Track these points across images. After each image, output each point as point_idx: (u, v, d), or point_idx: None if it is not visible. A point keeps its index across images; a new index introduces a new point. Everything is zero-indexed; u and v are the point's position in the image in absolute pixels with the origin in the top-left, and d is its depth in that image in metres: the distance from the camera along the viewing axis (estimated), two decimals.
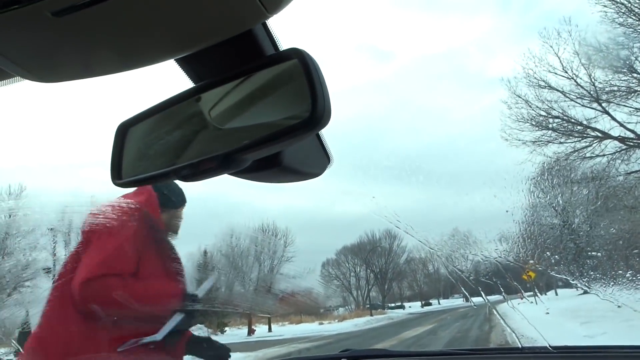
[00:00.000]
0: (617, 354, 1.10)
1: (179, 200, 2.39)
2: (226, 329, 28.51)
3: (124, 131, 0.77)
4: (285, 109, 0.69)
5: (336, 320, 35.77)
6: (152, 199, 2.20)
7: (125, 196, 2.14)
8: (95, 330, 1.91)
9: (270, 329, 30.00)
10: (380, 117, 66.71)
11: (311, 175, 0.81)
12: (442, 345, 13.14)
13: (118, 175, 0.74)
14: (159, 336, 1.96)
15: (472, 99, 59.12)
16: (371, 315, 38.66)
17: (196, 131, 0.75)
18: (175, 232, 2.37)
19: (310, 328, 29.18)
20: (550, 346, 1.19)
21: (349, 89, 68.60)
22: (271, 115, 0.71)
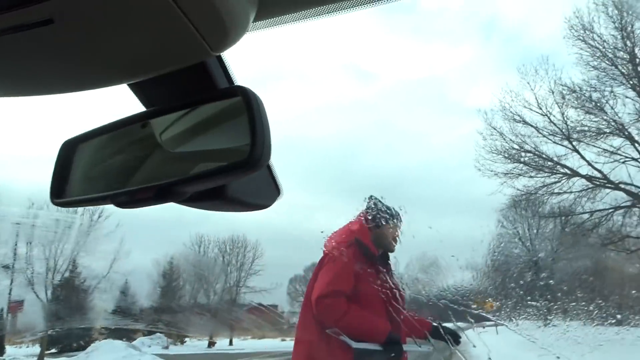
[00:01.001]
0: None
1: (385, 217, 2.52)
2: (186, 340, 27.96)
3: (69, 149, 0.74)
4: (228, 144, 0.69)
5: None
6: (363, 224, 2.49)
7: (348, 225, 2.53)
8: (329, 342, 2.21)
9: (231, 343, 29.53)
10: (359, 136, 67.29)
11: (258, 206, 0.81)
12: None
13: (58, 194, 0.72)
14: None
15: (450, 127, 60.04)
16: None
17: (142, 156, 0.74)
18: (388, 249, 2.52)
19: (272, 344, 28.80)
20: None
21: (331, 106, 69.01)
22: (213, 150, 0.72)
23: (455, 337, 2.38)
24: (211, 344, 27.51)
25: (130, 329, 25.56)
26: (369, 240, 2.39)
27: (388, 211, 2.49)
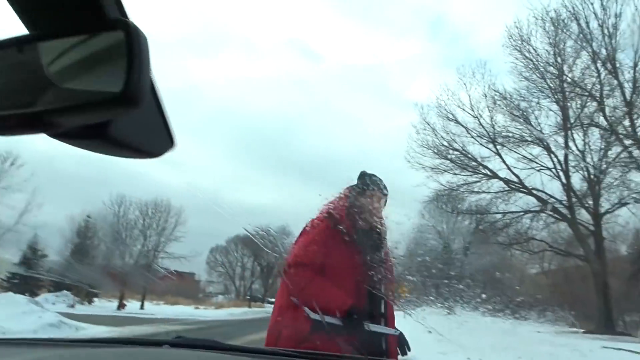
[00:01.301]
0: None
1: (364, 190, 2.46)
2: (95, 299, 27.01)
3: None
4: (107, 79, 0.65)
5: (213, 307, 35.23)
6: (341, 199, 2.45)
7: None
8: (295, 309, 2.22)
9: (142, 306, 28.87)
10: (296, 114, 67.04)
11: (145, 154, 0.77)
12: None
13: None
14: None
15: (387, 117, 61.12)
16: (249, 307, 38.64)
17: (15, 82, 0.71)
18: (368, 223, 2.41)
19: (185, 311, 28.48)
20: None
21: (272, 79, 68.19)
22: (91, 82, 0.69)
23: (404, 348, 2.38)
24: (121, 305, 26.74)
25: (35, 284, 24.35)
26: (343, 213, 2.38)
27: (369, 184, 2.47)
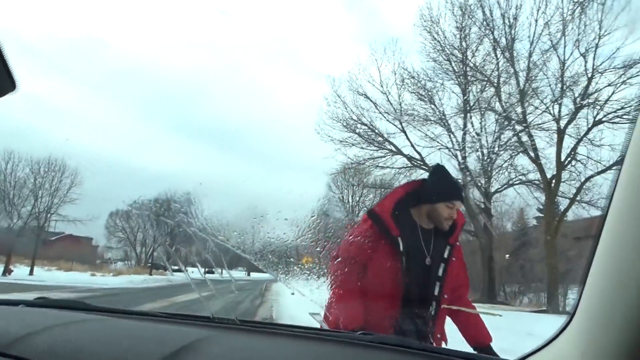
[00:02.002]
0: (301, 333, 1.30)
1: (431, 195, 2.23)
2: None
3: None
4: None
5: (111, 274, 33.76)
6: (387, 200, 2.27)
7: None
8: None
9: (32, 272, 27.03)
10: (209, 79, 64.94)
11: None
12: (212, 312, 13.41)
13: None
14: None
15: (299, 87, 61.17)
16: (150, 274, 37.52)
17: None
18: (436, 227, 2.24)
19: (79, 277, 27.05)
20: (237, 319, 1.39)
21: (184, 41, 65.30)
22: None
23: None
24: (7, 271, 24.85)
25: None
26: (389, 216, 2.18)
27: (440, 189, 2.23)
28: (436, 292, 2.19)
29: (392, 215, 2.18)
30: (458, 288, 2.33)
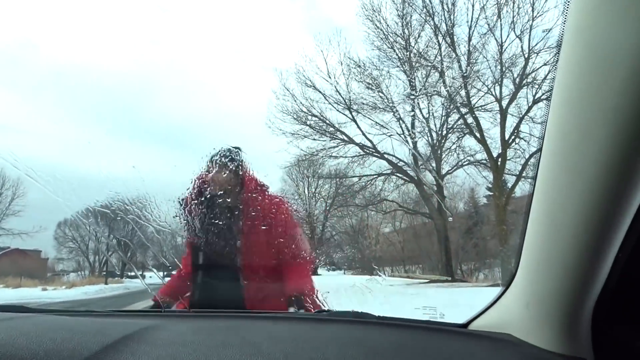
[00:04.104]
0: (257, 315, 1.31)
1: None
2: None
3: None
4: None
5: (64, 287, 32.53)
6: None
7: None
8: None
9: None
10: (152, 77, 63.18)
11: None
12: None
13: None
14: None
15: (246, 80, 60.52)
16: (106, 283, 36.41)
17: None
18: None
19: (30, 293, 25.87)
20: (189, 309, 1.38)
21: (123, 38, 63.16)
22: None
23: None
24: None
25: None
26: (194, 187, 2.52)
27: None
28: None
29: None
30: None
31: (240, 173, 2.50)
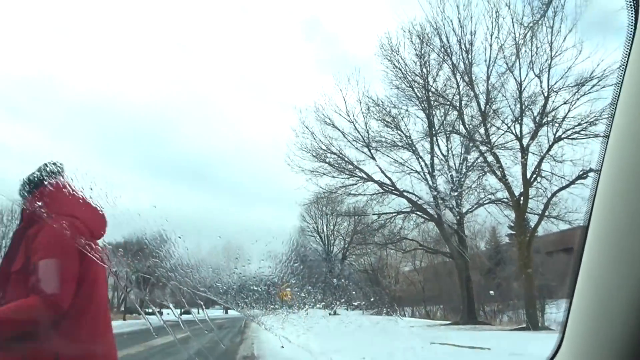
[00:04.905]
0: None
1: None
2: None
3: None
4: None
5: None
6: None
7: None
8: None
9: None
10: (173, 111, 64.51)
11: None
12: (190, 354, 13.08)
13: None
14: None
15: (266, 118, 61.39)
16: (124, 319, 36.31)
17: None
18: None
19: None
20: None
21: (145, 74, 64.97)
22: None
23: None
24: None
25: None
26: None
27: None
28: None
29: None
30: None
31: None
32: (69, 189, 2.10)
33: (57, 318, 1.86)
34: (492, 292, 24.50)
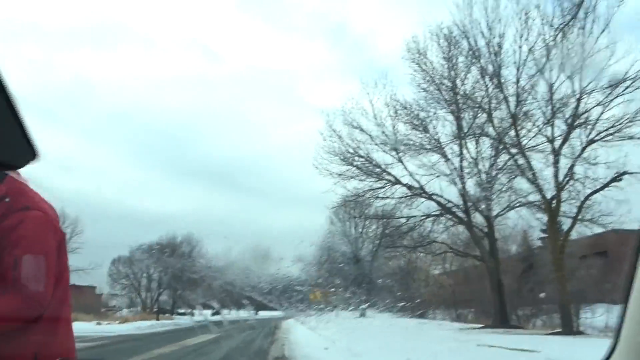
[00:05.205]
0: None
1: None
2: None
3: None
4: None
5: (117, 322, 33.37)
6: None
7: None
8: None
9: None
10: (202, 116, 65.77)
11: (4, 166, 0.77)
12: (222, 354, 13.40)
13: None
14: None
15: (293, 122, 61.93)
16: (157, 319, 37.08)
17: None
18: None
19: (85, 327, 26.71)
20: None
21: (175, 82, 66.34)
22: None
23: None
24: None
25: None
26: None
27: None
28: None
29: None
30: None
31: None
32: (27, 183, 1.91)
33: (37, 317, 1.75)
34: (542, 294, 24.02)
